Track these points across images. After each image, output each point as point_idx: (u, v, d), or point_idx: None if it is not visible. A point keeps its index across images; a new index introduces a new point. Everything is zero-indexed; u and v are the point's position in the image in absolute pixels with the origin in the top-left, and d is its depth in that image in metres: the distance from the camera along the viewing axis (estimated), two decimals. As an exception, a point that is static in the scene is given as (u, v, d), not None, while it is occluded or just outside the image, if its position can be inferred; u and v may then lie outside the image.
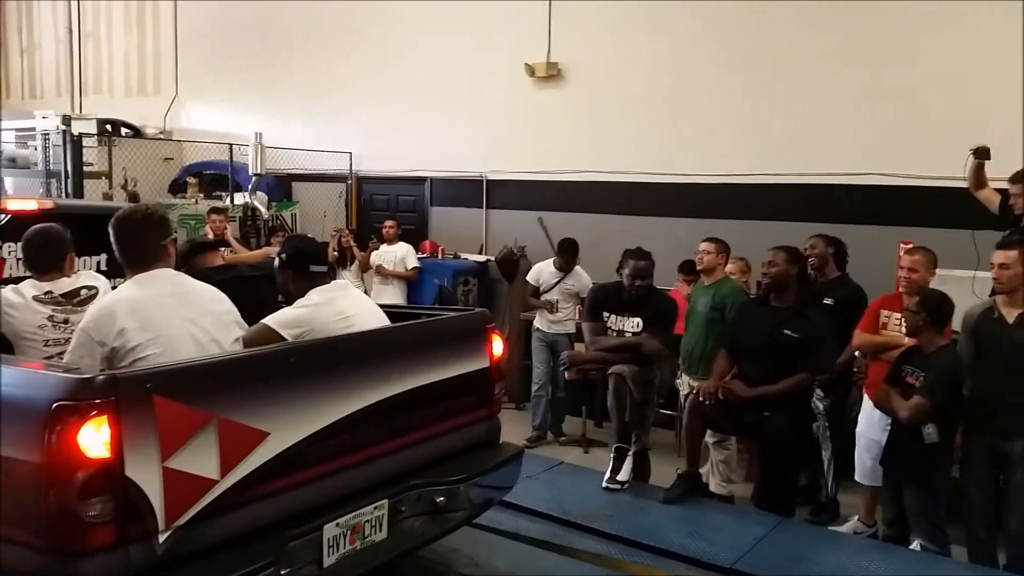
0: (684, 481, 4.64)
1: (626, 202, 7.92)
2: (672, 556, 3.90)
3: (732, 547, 3.95)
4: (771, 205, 7.07)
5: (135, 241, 2.89)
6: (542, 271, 6.85)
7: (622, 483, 4.70)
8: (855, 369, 5.06)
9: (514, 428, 6.10)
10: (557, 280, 6.69)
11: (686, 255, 6.37)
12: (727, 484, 5.13)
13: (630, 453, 4.80)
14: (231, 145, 9.33)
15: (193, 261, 3.79)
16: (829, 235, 5.23)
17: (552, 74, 8.39)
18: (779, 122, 7.12)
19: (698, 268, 5.53)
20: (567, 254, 6.71)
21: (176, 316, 2.77)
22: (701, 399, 4.51)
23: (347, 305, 3.19)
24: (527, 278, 6.99)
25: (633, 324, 4.97)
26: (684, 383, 5.50)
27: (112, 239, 2.91)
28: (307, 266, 3.23)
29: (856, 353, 4.90)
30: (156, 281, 2.84)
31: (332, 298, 3.16)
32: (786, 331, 4.44)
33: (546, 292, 6.72)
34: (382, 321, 3.35)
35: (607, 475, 4.76)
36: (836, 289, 5.05)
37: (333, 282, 3.31)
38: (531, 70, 8.45)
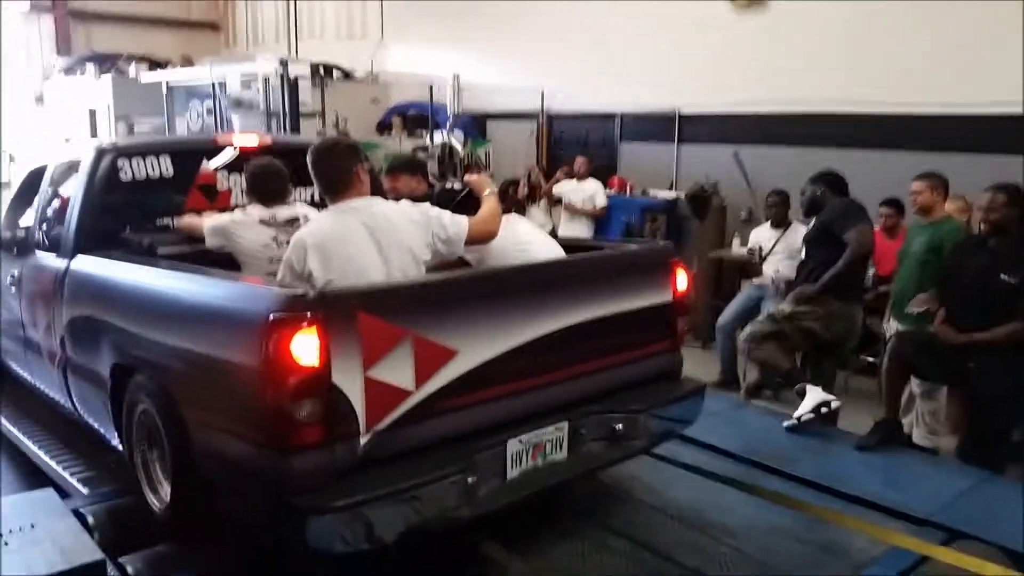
0: (881, 428, 4.39)
1: (831, 135, 7.36)
2: (863, 503, 3.72)
3: (930, 498, 3.69)
4: (1000, 136, 6.35)
5: (326, 169, 3.02)
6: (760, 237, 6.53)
7: (798, 418, 4.53)
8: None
9: (699, 368, 6.01)
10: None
11: (895, 191, 5.92)
12: (933, 436, 4.81)
13: (808, 387, 4.60)
14: (431, 86, 9.65)
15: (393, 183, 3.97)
16: None
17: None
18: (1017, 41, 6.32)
19: (914, 210, 5.13)
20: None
21: (364, 245, 2.87)
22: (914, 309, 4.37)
23: (521, 233, 3.40)
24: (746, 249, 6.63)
25: None
26: (891, 328, 5.18)
27: (310, 170, 3.07)
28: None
29: None
30: (349, 211, 2.95)
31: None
32: (1003, 276, 4.06)
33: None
34: (556, 249, 3.46)
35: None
36: None
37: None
38: (732, -4, 8.02)
